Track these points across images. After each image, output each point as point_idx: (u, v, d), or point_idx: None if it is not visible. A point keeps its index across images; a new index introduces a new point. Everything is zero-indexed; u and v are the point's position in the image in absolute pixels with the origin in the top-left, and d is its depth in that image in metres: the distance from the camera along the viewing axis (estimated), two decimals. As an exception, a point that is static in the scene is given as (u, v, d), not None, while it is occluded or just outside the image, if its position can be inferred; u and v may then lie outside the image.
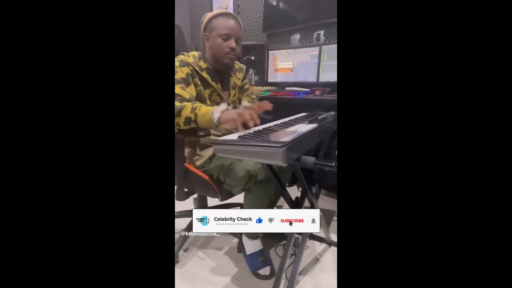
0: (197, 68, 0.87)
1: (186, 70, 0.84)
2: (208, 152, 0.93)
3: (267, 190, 0.84)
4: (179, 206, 1.19)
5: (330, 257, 1.02)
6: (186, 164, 0.94)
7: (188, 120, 0.75)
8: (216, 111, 0.71)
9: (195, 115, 0.74)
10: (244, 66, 1.06)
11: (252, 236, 0.94)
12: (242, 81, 1.04)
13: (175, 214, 1.21)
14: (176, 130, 0.83)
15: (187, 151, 0.97)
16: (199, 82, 0.87)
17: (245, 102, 1.03)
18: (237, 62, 1.04)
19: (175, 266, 0.97)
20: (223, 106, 0.73)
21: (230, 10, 2.20)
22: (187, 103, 0.77)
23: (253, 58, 1.83)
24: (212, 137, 0.94)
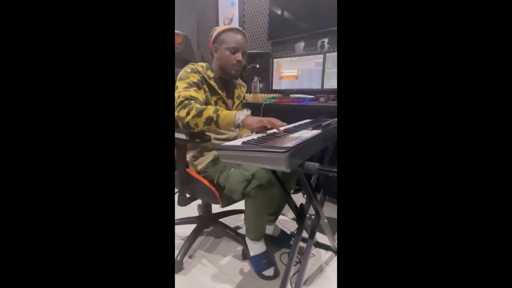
0: (205, 77, 0.95)
1: (197, 76, 0.93)
2: (210, 156, 0.96)
3: (267, 195, 0.85)
4: (183, 213, 1.20)
5: (336, 266, 1.00)
6: (188, 170, 0.95)
7: (209, 120, 0.81)
8: (242, 114, 0.79)
9: (217, 115, 0.80)
10: (245, 85, 1.17)
11: (256, 238, 0.95)
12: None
13: (179, 220, 1.21)
14: (184, 137, 0.84)
15: (188, 155, 1.00)
16: (207, 89, 0.95)
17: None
18: (240, 80, 1.14)
19: (180, 273, 0.96)
20: (246, 111, 0.81)
21: (236, 19, 2.24)
22: (209, 105, 0.85)
23: (258, 66, 1.85)
24: (214, 141, 0.97)
